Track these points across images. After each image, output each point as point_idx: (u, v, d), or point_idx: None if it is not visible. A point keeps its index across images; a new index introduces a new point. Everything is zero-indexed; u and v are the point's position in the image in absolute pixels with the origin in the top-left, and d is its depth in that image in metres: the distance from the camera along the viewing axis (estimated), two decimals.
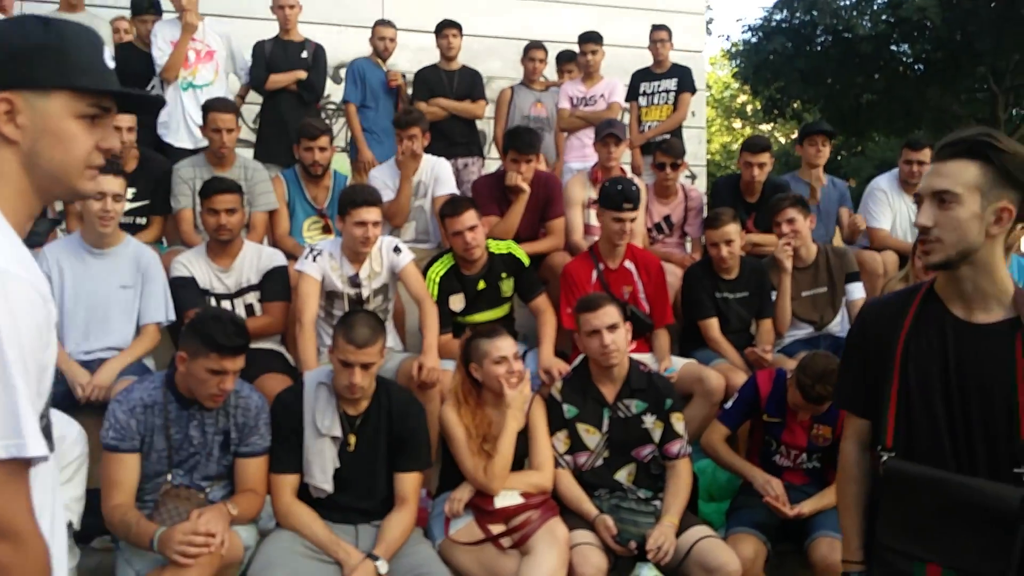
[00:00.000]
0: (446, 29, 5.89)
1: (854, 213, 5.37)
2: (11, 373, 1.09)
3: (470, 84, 5.88)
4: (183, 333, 2.94)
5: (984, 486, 1.71)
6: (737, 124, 25.82)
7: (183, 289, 3.75)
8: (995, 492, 1.69)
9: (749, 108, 24.17)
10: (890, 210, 5.29)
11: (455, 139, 5.77)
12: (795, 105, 17.25)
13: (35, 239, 4.12)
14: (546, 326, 4.07)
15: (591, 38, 6.01)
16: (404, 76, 5.88)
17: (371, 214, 3.70)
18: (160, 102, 1.27)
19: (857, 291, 4.48)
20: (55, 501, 1.27)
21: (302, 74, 5.48)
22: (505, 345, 3.22)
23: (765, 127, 22.87)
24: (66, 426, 2.88)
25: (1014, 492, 1.67)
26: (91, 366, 3.48)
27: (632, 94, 6.32)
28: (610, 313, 3.33)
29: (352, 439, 3.05)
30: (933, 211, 1.73)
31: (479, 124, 6.18)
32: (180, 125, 5.12)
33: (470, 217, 3.97)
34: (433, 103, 5.72)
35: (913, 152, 5.22)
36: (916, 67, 15.77)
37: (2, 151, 1.21)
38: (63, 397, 3.32)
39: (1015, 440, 1.69)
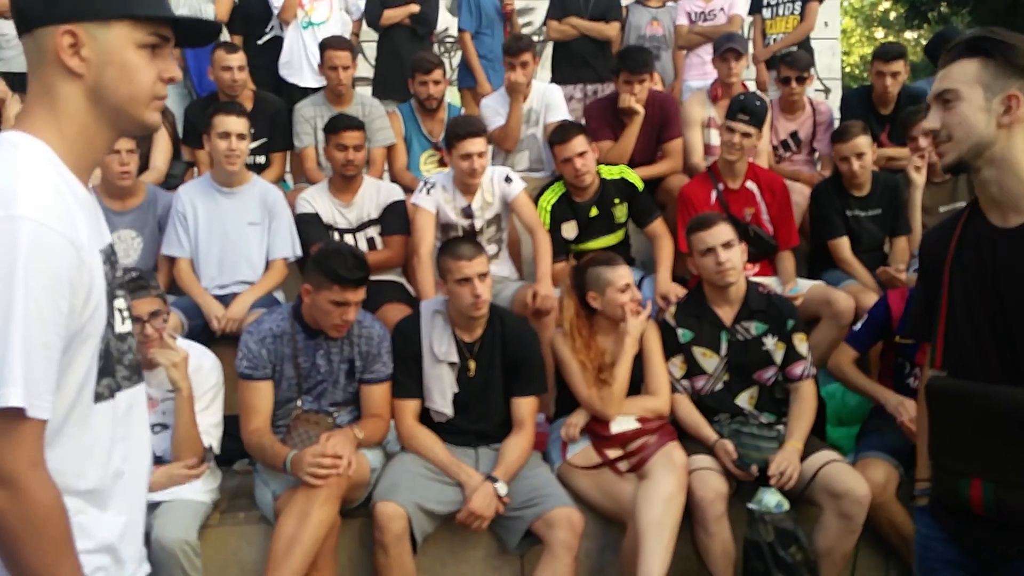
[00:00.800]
0: None
1: None
2: (18, 323, 1.09)
3: (606, 6, 5.67)
4: (307, 267, 3.06)
5: (1016, 393, 1.68)
6: (879, 33, 24.04)
7: (308, 224, 3.89)
8: (1006, 396, 1.67)
9: (892, 15, 22.43)
10: None
11: (586, 61, 5.59)
12: (942, 8, 15.84)
13: (172, 181, 4.38)
14: (663, 251, 3.99)
15: None
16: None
17: (475, 145, 3.69)
18: (216, 28, 1.42)
19: None
20: (127, 438, 1.30)
21: (415, 8, 5.48)
22: (627, 273, 3.21)
23: (910, 35, 21.19)
24: (202, 356, 3.07)
25: (1017, 395, 1.64)
26: (225, 300, 3.71)
27: (756, 6, 5.96)
28: (724, 230, 3.22)
29: (472, 364, 3.12)
30: (939, 113, 1.71)
31: None
32: (304, 64, 5.23)
33: (579, 143, 3.90)
34: (566, 22, 5.57)
35: None
36: None
37: (68, 86, 1.22)
38: (201, 330, 3.56)
39: None
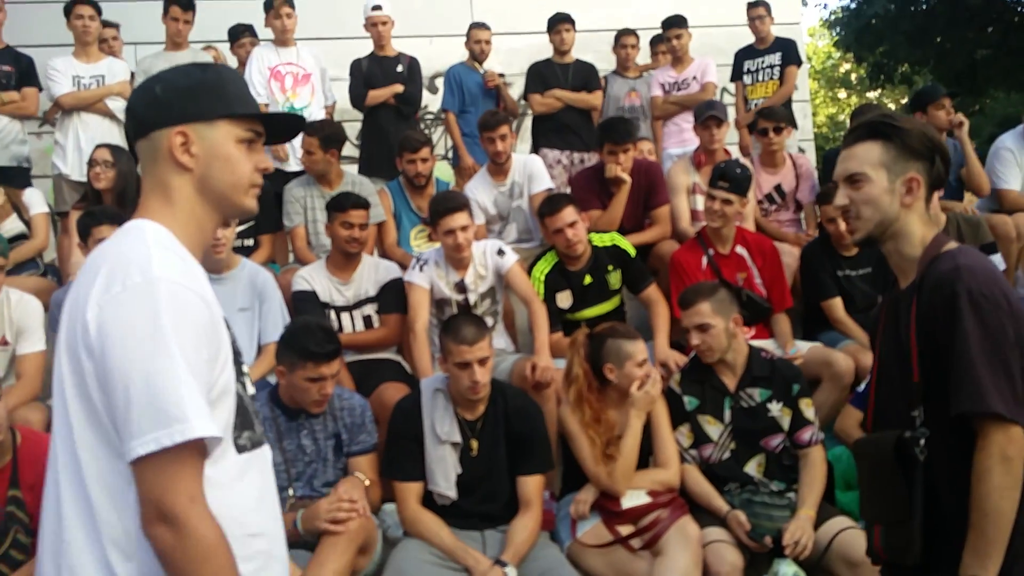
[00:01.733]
0: (559, 24, 5.76)
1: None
2: (172, 366, 1.21)
3: (585, 76, 5.75)
4: (278, 348, 3.07)
5: (870, 438, 1.84)
6: (842, 94, 24.77)
7: (304, 303, 3.86)
8: (877, 441, 1.79)
9: (853, 76, 23.15)
10: (1019, 169, 4.96)
11: (571, 129, 5.65)
12: (903, 69, 16.40)
13: None
14: (659, 317, 3.97)
15: (674, 23, 5.86)
16: (503, 75, 5.82)
17: (457, 220, 3.69)
18: (301, 122, 1.62)
19: (995, 263, 4.16)
20: (271, 491, 1.44)
21: (399, 88, 5.53)
22: (644, 347, 3.19)
23: (872, 94, 21.84)
24: None
25: (890, 436, 1.74)
26: None
27: (736, 74, 6.14)
28: (700, 312, 3.22)
29: (474, 444, 3.05)
30: (848, 192, 1.85)
31: None
32: (288, 150, 5.25)
33: (569, 214, 3.91)
34: (549, 95, 5.64)
35: None
36: None
37: (179, 179, 1.39)
38: None
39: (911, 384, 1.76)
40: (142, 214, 1.40)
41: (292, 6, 5.48)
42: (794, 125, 5.15)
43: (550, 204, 4.02)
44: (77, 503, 1.26)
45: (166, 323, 1.22)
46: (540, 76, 5.70)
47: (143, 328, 1.22)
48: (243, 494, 1.35)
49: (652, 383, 3.12)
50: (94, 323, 1.24)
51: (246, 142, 1.42)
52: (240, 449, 1.36)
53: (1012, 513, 1.63)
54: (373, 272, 4.01)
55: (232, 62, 5.86)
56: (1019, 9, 14.83)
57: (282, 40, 5.45)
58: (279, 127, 1.54)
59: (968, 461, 1.66)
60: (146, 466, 1.20)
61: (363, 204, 3.96)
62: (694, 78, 5.83)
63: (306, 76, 5.39)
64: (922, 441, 1.71)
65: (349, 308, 3.96)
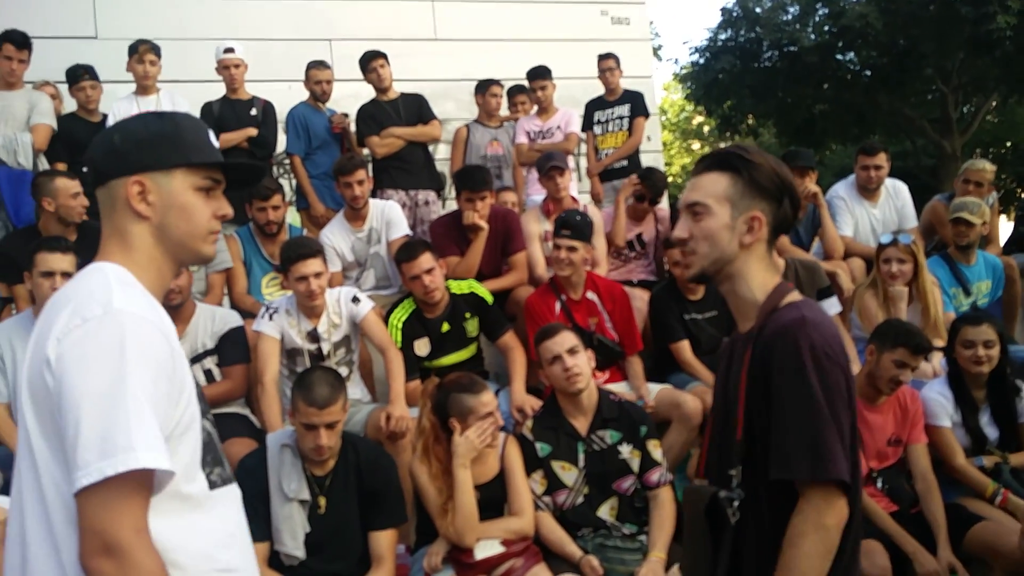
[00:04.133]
0: (372, 62, 5.54)
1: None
2: (125, 397, 1.21)
3: (418, 108, 5.64)
4: None
5: (693, 489, 1.75)
6: (695, 145, 26.11)
7: None
8: (696, 493, 1.72)
9: (706, 128, 24.48)
10: (851, 216, 5.31)
11: (416, 169, 5.55)
12: (749, 121, 17.48)
13: None
14: (515, 363, 3.99)
15: (540, 74, 6.02)
16: (347, 116, 5.69)
17: (309, 267, 3.59)
18: (262, 171, 1.67)
19: (832, 306, 4.41)
20: (244, 528, 1.46)
21: (252, 131, 5.39)
22: (490, 399, 3.10)
23: (723, 145, 23.15)
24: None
25: (706, 492, 1.68)
26: None
27: (587, 124, 6.34)
28: (568, 338, 3.29)
29: (322, 501, 2.94)
30: (688, 223, 1.73)
31: (438, 166, 6.10)
32: None
33: (426, 260, 3.90)
34: (386, 135, 5.48)
35: (868, 157, 5.26)
36: (863, 74, 16.05)
37: (136, 226, 1.42)
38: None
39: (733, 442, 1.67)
40: (102, 258, 1.42)
41: (158, 55, 5.31)
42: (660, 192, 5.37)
43: (407, 250, 3.99)
44: (40, 526, 1.27)
45: (125, 354, 1.24)
46: (372, 118, 5.53)
47: (101, 358, 1.23)
48: (213, 530, 1.36)
49: (476, 430, 3.02)
50: (54, 355, 1.26)
51: (204, 190, 1.44)
52: (212, 485, 1.38)
53: None
54: (209, 323, 3.80)
55: (71, 104, 5.55)
56: (852, 68, 16.14)
57: (143, 87, 5.29)
58: (242, 173, 1.59)
59: (784, 530, 1.57)
60: (91, 497, 1.19)
61: None
62: (558, 127, 5.99)
63: None
64: (735, 503, 1.61)
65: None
